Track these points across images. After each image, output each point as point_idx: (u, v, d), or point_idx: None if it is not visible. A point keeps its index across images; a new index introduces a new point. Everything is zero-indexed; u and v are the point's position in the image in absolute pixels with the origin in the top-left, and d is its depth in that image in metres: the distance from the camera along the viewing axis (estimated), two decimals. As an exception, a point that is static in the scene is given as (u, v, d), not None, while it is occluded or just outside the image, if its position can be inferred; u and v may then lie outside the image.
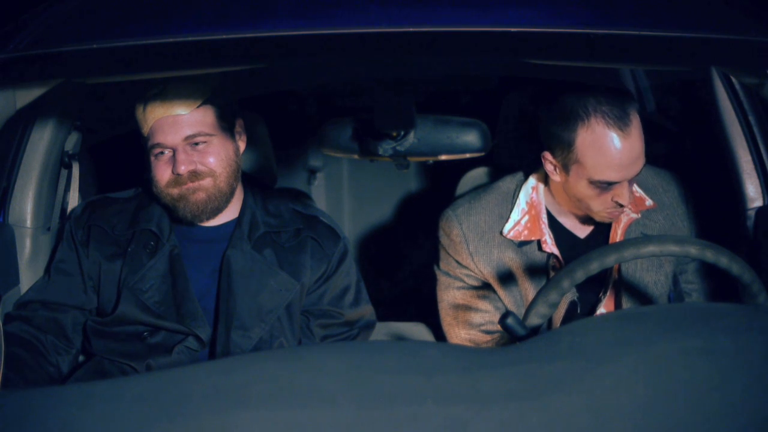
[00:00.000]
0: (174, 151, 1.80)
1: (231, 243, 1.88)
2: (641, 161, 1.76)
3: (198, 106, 1.80)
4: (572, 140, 1.75)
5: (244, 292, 1.83)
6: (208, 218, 1.88)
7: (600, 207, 1.81)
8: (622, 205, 1.79)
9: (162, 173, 1.82)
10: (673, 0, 1.56)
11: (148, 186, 1.89)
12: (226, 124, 1.85)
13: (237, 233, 1.88)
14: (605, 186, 1.77)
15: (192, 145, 1.80)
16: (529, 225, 1.92)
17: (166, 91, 1.79)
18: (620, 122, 1.72)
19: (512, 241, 1.93)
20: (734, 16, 1.57)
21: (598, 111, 1.72)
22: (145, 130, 1.82)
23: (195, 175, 1.80)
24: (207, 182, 1.82)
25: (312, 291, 1.95)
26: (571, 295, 1.91)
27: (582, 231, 1.97)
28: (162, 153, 1.81)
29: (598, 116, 1.72)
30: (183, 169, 1.79)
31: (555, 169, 1.84)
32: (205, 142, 1.81)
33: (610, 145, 1.72)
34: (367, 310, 2.05)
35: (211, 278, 1.88)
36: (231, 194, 1.88)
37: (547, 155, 1.83)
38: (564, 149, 1.78)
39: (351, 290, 2.01)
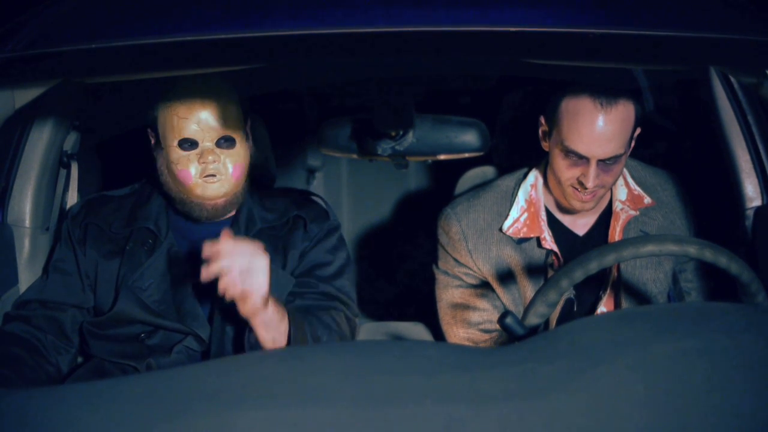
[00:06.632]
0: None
1: None
2: (614, 146, 1.77)
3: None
4: (559, 102, 1.82)
5: None
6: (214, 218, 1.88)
7: (566, 179, 1.84)
8: (585, 187, 1.81)
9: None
10: (672, 0, 1.56)
11: (151, 180, 1.88)
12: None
13: (234, 230, 1.88)
14: (573, 157, 1.80)
15: None
16: (528, 222, 1.93)
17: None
18: (604, 98, 1.76)
19: (511, 238, 1.94)
20: (733, 16, 1.57)
21: (591, 85, 1.78)
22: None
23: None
24: None
25: (295, 267, 1.90)
26: (567, 293, 1.91)
27: (581, 228, 1.98)
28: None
29: (587, 88, 1.78)
30: None
31: (545, 137, 1.90)
32: None
33: (585, 114, 1.76)
34: (348, 299, 1.92)
35: None
36: (241, 195, 1.87)
37: (542, 118, 1.90)
38: (552, 110, 1.84)
39: (331, 266, 1.92)
